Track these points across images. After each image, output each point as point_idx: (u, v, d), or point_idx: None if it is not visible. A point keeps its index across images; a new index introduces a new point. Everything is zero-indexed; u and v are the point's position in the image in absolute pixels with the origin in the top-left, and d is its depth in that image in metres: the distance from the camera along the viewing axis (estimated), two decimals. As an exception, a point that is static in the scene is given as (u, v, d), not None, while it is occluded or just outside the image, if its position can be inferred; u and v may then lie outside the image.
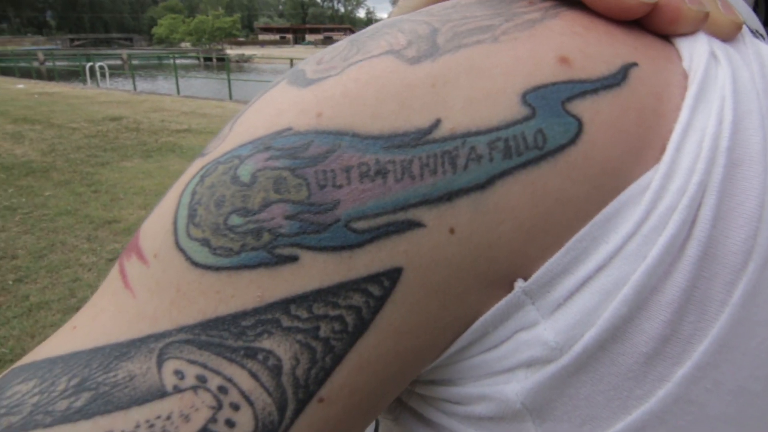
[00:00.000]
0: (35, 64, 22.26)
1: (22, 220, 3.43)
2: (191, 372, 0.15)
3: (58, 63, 22.05)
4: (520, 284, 0.18)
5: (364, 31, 0.21)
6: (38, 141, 5.79)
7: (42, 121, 7.09)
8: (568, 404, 0.18)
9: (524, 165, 0.17)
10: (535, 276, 0.17)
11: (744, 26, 0.22)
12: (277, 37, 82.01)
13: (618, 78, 0.18)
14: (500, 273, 0.18)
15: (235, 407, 0.15)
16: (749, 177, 0.17)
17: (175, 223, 0.17)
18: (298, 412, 0.16)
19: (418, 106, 0.17)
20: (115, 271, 0.18)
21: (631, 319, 0.17)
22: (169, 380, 0.15)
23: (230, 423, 0.15)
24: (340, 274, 0.16)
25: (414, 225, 0.16)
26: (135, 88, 12.61)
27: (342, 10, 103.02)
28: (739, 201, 0.17)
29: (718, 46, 0.20)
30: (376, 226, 0.16)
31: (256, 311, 0.16)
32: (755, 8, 0.35)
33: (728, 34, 0.21)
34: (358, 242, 0.16)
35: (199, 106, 9.09)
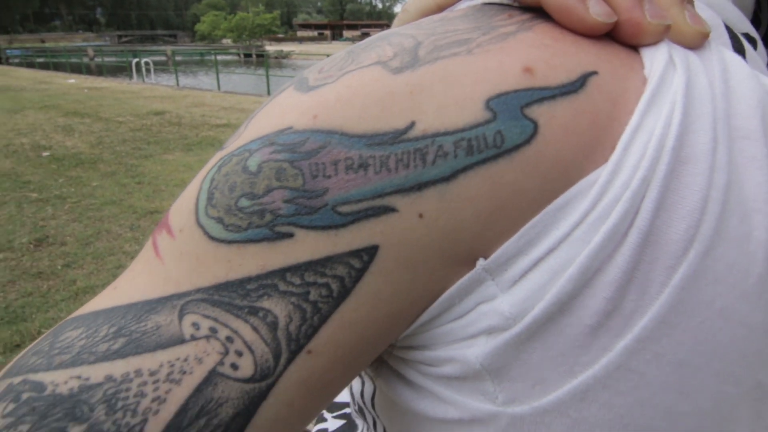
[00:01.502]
0: (85, 59, 23.24)
1: (71, 208, 3.63)
2: (205, 324, 0.19)
3: (106, 59, 22.94)
4: (481, 263, 0.20)
5: (360, 43, 0.24)
6: (87, 134, 6.07)
7: (91, 114, 7.42)
8: (522, 367, 0.20)
9: (484, 161, 0.19)
10: (494, 256, 0.20)
11: (712, 34, 0.23)
12: (315, 33, 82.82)
13: (576, 85, 0.20)
14: (463, 253, 0.20)
15: (239, 354, 0.19)
16: (694, 174, 0.19)
17: (197, 204, 0.21)
18: (289, 361, 0.19)
19: (397, 110, 0.20)
20: (149, 243, 0.22)
21: (576, 295, 0.19)
22: (187, 330, 0.19)
23: (234, 366, 0.19)
24: (327, 249, 0.19)
25: (389, 210, 0.19)
26: (178, 84, 13.02)
27: (380, 6, 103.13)
28: (683, 195, 0.19)
29: (678, 54, 0.22)
30: (358, 210, 0.19)
31: (258, 277, 0.19)
32: (758, 10, 0.35)
33: (693, 43, 0.22)
34: (343, 223, 0.19)
35: (239, 102, 9.31)
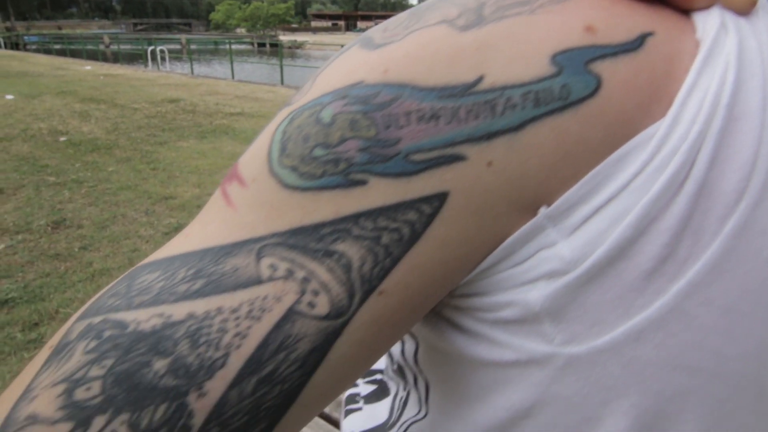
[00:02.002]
0: (101, 46, 23.43)
1: (88, 192, 3.67)
2: (282, 266, 0.20)
3: (122, 46, 23.13)
4: (543, 210, 0.21)
5: (422, 4, 0.25)
6: (103, 120, 6.14)
7: (107, 101, 7.50)
8: (579, 309, 0.22)
9: (551, 112, 0.20)
10: (556, 204, 0.21)
11: (761, 2, 0.24)
12: (329, 24, 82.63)
13: (635, 44, 0.21)
14: (528, 200, 0.21)
15: (315, 293, 0.20)
16: (746, 130, 0.21)
17: (269, 155, 0.22)
18: (362, 300, 0.20)
19: (465, 64, 0.21)
20: (217, 195, 0.23)
21: (635, 241, 0.21)
22: (265, 272, 0.20)
23: (311, 305, 0.20)
24: (399, 195, 0.20)
25: (459, 158, 0.20)
26: (192, 72, 13.09)
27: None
28: (736, 149, 0.21)
29: (730, 18, 0.22)
30: (429, 158, 0.20)
31: (332, 222, 0.20)
32: None
33: (743, 10, 0.23)
34: (415, 171, 0.20)
35: (252, 91, 9.35)
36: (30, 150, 4.62)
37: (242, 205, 0.22)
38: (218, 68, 16.30)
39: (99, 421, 0.19)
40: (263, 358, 0.20)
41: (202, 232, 0.22)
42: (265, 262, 0.20)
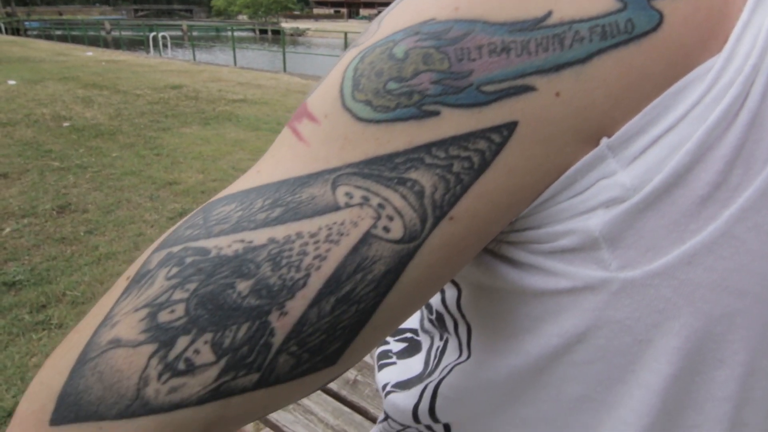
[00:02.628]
0: (102, 33, 23.28)
1: (92, 177, 3.68)
2: (358, 194, 0.21)
3: (123, 32, 22.96)
4: (605, 141, 0.22)
5: None
6: (106, 105, 6.13)
7: (109, 87, 7.48)
8: (636, 235, 0.23)
9: (616, 45, 0.21)
10: (617, 134, 0.22)
11: None
12: (331, 11, 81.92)
13: None
14: (591, 130, 0.22)
15: (390, 218, 0.21)
16: None
17: (341, 91, 0.23)
18: (434, 225, 0.22)
19: (533, 0, 0.22)
20: (285, 134, 0.24)
21: (692, 168, 0.22)
22: (342, 199, 0.21)
23: (386, 229, 0.21)
24: (471, 125, 0.21)
25: (529, 89, 0.21)
26: (194, 59, 13.01)
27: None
28: None
29: None
30: (500, 89, 0.21)
31: (406, 152, 0.21)
32: None
33: None
34: (486, 101, 0.21)
35: (255, 78, 9.30)
36: (33, 135, 4.62)
37: (315, 139, 0.23)
38: (220, 55, 16.19)
39: (182, 342, 0.20)
40: (341, 279, 0.21)
41: (274, 167, 0.23)
42: (341, 190, 0.21)
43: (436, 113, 0.21)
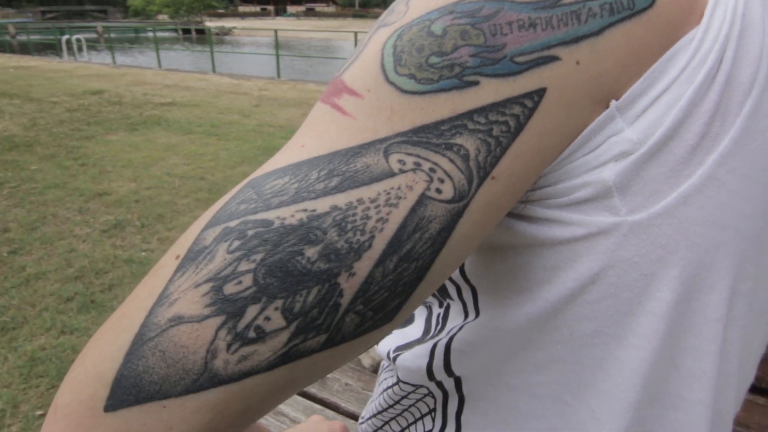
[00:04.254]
0: (7, 37, 21.48)
1: (11, 193, 3.42)
2: (410, 160, 0.23)
3: (31, 36, 21.29)
4: (614, 103, 0.26)
5: None
6: (18, 115, 5.69)
7: (20, 95, 6.94)
8: (641, 182, 0.26)
9: (622, 20, 0.25)
10: (624, 96, 0.26)
11: None
12: (257, 8, 79.92)
13: None
14: (604, 94, 0.26)
15: (441, 180, 0.23)
16: (754, 34, 0.27)
17: (382, 67, 0.24)
18: (479, 185, 0.24)
19: None
20: (322, 109, 0.25)
21: (684, 122, 0.26)
22: (395, 166, 0.23)
23: (438, 190, 0.23)
24: (507, 92, 0.24)
25: (554, 59, 0.24)
26: (114, 62, 12.30)
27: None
28: (748, 49, 0.27)
29: None
30: (530, 59, 0.24)
31: (450, 119, 0.23)
32: None
33: None
34: (519, 71, 0.24)
35: (182, 79, 8.94)
36: (-63, 151, 4.21)
37: (360, 112, 0.24)
38: (140, 57, 15.38)
39: (252, 311, 0.21)
40: (402, 239, 0.22)
41: (319, 141, 0.24)
42: (394, 157, 0.23)
43: (476, 83, 0.23)
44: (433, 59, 0.23)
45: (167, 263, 0.23)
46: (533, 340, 0.32)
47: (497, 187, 0.24)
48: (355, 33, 11.41)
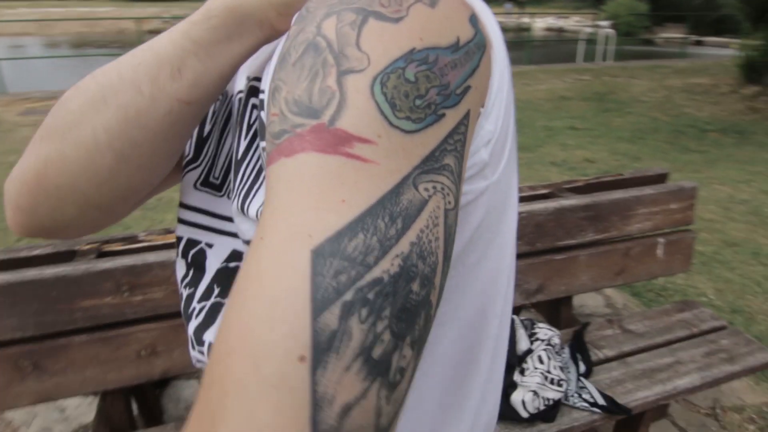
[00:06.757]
0: None
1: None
2: (430, 186, 0.27)
3: None
4: (482, 109, 0.35)
5: None
6: None
7: None
8: (495, 156, 0.37)
9: (481, 56, 0.33)
10: (486, 103, 0.36)
11: None
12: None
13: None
14: (482, 104, 0.35)
15: (448, 194, 0.28)
16: (498, 50, 0.36)
17: (382, 113, 0.27)
18: (458, 190, 0.30)
19: (448, 31, 0.31)
20: (338, 161, 0.26)
21: (505, 117, 0.37)
22: (424, 194, 0.27)
23: (449, 202, 0.28)
24: (457, 118, 0.30)
25: (469, 88, 0.31)
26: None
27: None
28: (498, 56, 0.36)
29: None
30: (462, 90, 0.30)
31: (438, 146, 0.28)
32: None
33: None
34: (458, 100, 0.30)
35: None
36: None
37: (380, 157, 0.26)
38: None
39: (395, 358, 0.24)
40: (447, 248, 0.28)
41: (359, 193, 0.25)
42: (421, 188, 0.27)
43: (444, 115, 0.29)
44: (417, 101, 0.28)
45: (292, 371, 0.21)
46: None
47: (463, 187, 0.32)
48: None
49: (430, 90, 0.28)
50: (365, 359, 0.22)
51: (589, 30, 13.17)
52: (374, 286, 0.23)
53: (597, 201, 1.62)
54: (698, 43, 15.53)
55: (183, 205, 0.50)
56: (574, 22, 20.31)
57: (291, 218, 0.25)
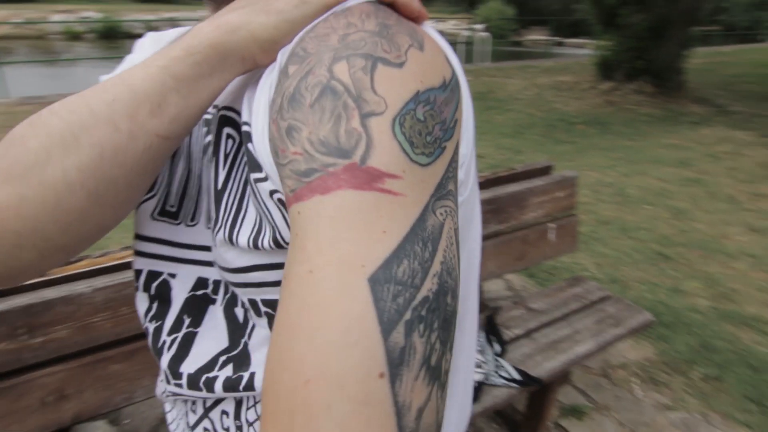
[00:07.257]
0: None
1: None
2: (443, 210, 0.31)
3: None
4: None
5: (386, 23, 0.35)
6: None
7: None
8: (466, 176, 0.41)
9: (459, 89, 0.38)
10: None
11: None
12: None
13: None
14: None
15: (453, 216, 0.32)
16: (465, 88, 0.39)
17: (403, 151, 0.30)
18: (457, 210, 0.34)
19: (436, 73, 0.35)
20: (374, 197, 0.29)
21: (471, 149, 0.41)
22: (440, 218, 0.31)
23: (454, 222, 0.32)
24: (453, 147, 0.34)
25: (457, 120, 0.36)
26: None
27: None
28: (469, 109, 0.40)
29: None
30: (453, 125, 0.35)
31: (444, 175, 0.32)
32: None
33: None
34: (452, 133, 0.34)
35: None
36: None
37: (407, 189, 0.30)
38: None
39: (444, 363, 0.28)
40: (459, 260, 0.32)
41: (395, 223, 0.29)
42: (438, 212, 0.31)
43: (445, 147, 0.33)
44: (428, 138, 0.32)
45: (375, 386, 0.24)
46: None
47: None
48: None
49: (435, 127, 0.32)
50: (427, 367, 0.26)
51: (466, 33, 14.02)
52: (425, 303, 0.27)
53: (497, 195, 1.77)
54: (560, 44, 17.34)
55: (140, 237, 0.49)
56: (452, 26, 21.47)
57: (340, 251, 0.27)
